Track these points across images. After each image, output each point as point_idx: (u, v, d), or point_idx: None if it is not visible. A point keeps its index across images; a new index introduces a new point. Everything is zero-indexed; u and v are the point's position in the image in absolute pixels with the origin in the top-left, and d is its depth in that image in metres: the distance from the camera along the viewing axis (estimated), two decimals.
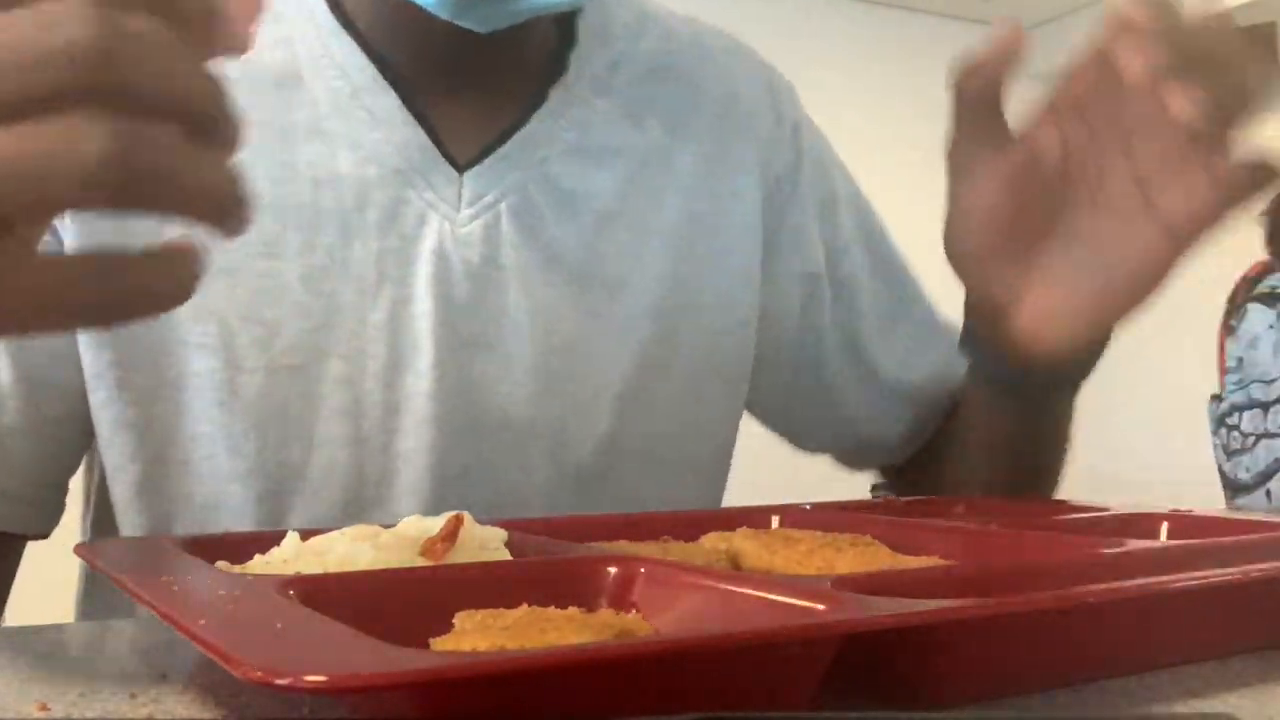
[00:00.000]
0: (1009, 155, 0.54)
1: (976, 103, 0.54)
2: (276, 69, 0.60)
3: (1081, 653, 0.35)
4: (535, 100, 0.64)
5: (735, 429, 0.73)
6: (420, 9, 0.58)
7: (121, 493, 0.60)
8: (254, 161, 0.58)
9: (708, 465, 0.71)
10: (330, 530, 0.43)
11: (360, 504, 0.60)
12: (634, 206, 0.66)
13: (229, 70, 0.56)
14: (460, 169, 0.61)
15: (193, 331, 0.58)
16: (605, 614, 0.35)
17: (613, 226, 0.65)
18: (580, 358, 0.63)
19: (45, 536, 0.62)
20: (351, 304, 0.59)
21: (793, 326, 0.73)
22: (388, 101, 0.60)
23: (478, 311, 0.61)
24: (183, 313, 0.55)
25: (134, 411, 0.58)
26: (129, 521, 0.61)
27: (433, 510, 0.59)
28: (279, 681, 0.23)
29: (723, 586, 0.35)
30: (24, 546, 0.63)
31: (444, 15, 0.57)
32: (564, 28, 0.67)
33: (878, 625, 0.30)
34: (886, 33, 4.19)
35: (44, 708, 0.31)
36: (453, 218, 0.60)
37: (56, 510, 0.62)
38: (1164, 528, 0.53)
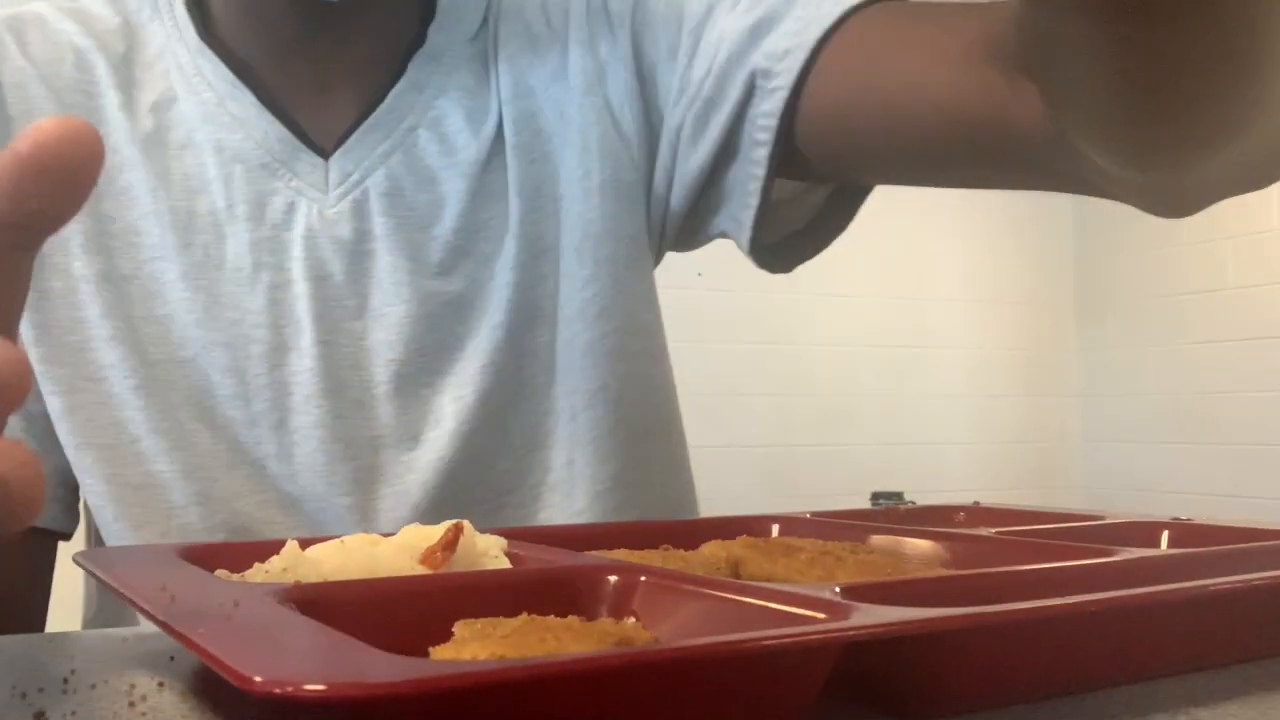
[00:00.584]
0: None
1: None
2: (156, 97, 0.66)
3: (1083, 661, 0.35)
4: (396, 74, 0.67)
5: (645, 304, 0.72)
6: (272, 22, 0.64)
7: (81, 478, 0.65)
8: (138, 179, 0.64)
9: (626, 348, 0.70)
10: (327, 538, 0.43)
11: (265, 479, 0.64)
12: (496, 165, 0.68)
13: (112, 108, 0.59)
14: (328, 154, 0.66)
15: (104, 327, 0.63)
16: (605, 623, 0.35)
17: (475, 193, 0.67)
18: (456, 308, 0.66)
19: (69, 536, 0.66)
20: (229, 294, 0.64)
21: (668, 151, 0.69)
22: (247, 102, 0.65)
23: (355, 283, 0.65)
24: (94, 310, 0.63)
25: (60, 401, 0.63)
26: (93, 506, 0.65)
27: (334, 483, 0.64)
28: (278, 690, 0.23)
29: (723, 595, 0.35)
30: (56, 546, 0.68)
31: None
32: (429, 6, 0.69)
33: (878, 634, 0.30)
34: None
35: (41, 715, 0.31)
36: (321, 201, 0.65)
37: (75, 507, 0.67)
38: (1164, 536, 0.53)
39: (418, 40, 0.68)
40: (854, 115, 0.59)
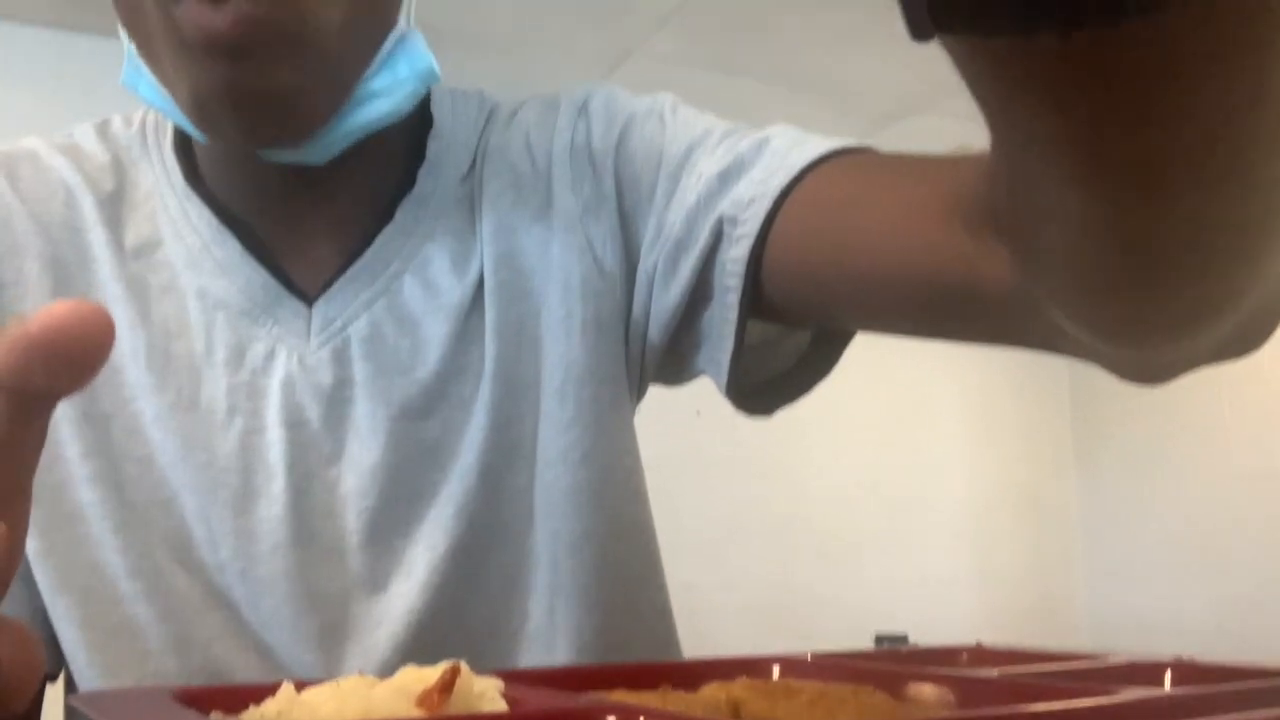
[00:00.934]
0: None
1: None
2: (141, 240, 0.66)
3: None
4: (384, 219, 0.67)
5: (626, 447, 0.70)
6: (260, 175, 0.64)
7: (56, 624, 0.63)
8: (121, 317, 0.63)
9: (610, 492, 0.69)
10: (321, 682, 0.43)
11: (240, 623, 0.63)
12: (478, 307, 0.67)
13: (98, 245, 0.61)
14: (311, 300, 0.65)
15: (84, 467, 0.63)
16: None
17: (458, 337, 0.66)
18: (433, 453, 0.65)
19: (55, 677, 0.64)
20: (201, 439, 0.63)
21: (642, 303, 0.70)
22: (232, 249, 0.66)
23: (331, 430, 0.64)
24: (74, 450, 0.62)
25: (36, 544, 0.62)
26: (67, 653, 0.63)
27: (300, 637, 0.62)
28: None
29: None
30: (44, 688, 0.66)
31: (272, 157, 0.62)
32: (416, 145, 0.70)
33: None
34: None
35: None
36: (302, 348, 0.64)
37: (59, 647, 0.65)
38: (1168, 676, 0.53)
39: (406, 184, 0.69)
40: (817, 267, 0.59)
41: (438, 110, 0.72)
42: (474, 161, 0.71)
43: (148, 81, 0.61)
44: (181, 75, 0.57)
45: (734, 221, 0.62)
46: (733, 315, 0.63)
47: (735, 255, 0.62)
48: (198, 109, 0.58)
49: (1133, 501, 4.02)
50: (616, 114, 0.71)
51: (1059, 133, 0.29)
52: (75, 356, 0.30)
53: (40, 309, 0.30)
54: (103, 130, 0.71)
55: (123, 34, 0.61)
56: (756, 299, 0.63)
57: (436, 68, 0.63)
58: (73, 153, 0.69)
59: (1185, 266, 0.35)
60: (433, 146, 0.70)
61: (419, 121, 0.71)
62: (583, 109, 0.72)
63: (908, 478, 3.88)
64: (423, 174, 0.69)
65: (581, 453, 0.67)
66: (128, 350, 0.64)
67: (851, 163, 0.60)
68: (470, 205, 0.70)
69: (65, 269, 0.65)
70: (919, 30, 0.24)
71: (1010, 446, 4.12)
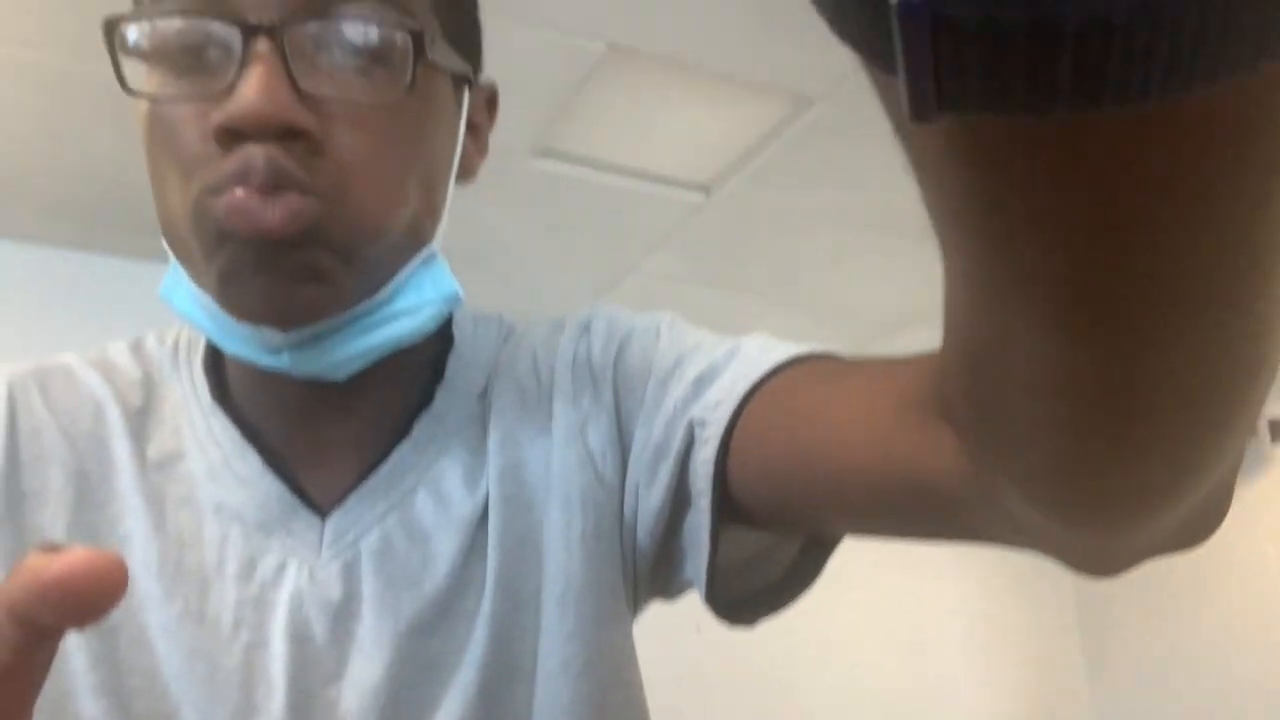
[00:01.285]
0: None
1: None
2: (164, 453, 0.67)
3: None
4: (401, 435, 0.68)
5: (626, 659, 0.69)
6: (282, 391, 0.65)
7: None
8: (136, 528, 0.64)
9: (611, 705, 0.67)
10: None
11: None
12: (483, 529, 0.67)
13: (122, 456, 0.62)
14: (326, 513, 0.65)
15: (90, 677, 0.61)
16: None
17: (466, 551, 0.66)
18: (434, 669, 0.64)
19: None
20: (205, 652, 0.62)
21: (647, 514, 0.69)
22: (252, 462, 0.66)
23: (336, 645, 0.63)
24: (79, 661, 0.61)
25: None
26: None
27: None
28: None
29: None
30: None
31: (296, 374, 0.62)
32: (435, 363, 0.71)
33: None
34: None
35: None
36: (312, 562, 0.64)
37: None
38: None
39: (424, 401, 0.70)
40: (778, 466, 0.59)
41: (458, 330, 0.73)
42: (489, 377, 0.72)
43: (185, 292, 0.63)
44: (214, 259, 0.57)
45: (702, 424, 0.63)
46: (706, 519, 0.63)
47: (704, 457, 0.62)
48: (223, 284, 0.57)
49: (1148, 716, 3.88)
50: (616, 329, 0.73)
51: (1055, 248, 0.26)
52: (86, 602, 0.31)
53: (62, 552, 0.31)
54: (136, 347, 0.73)
55: (165, 245, 0.63)
56: (730, 503, 0.63)
57: (460, 291, 0.65)
58: (105, 368, 0.70)
59: (1167, 423, 0.32)
60: (451, 365, 0.71)
61: (439, 340, 0.72)
62: (586, 327, 0.74)
63: (914, 692, 3.76)
64: (440, 391, 0.70)
65: (581, 665, 0.65)
66: (140, 561, 0.64)
67: (816, 366, 0.61)
68: (483, 421, 0.70)
69: (88, 480, 0.66)
70: (920, 109, 0.21)
71: (1018, 652, 4.02)
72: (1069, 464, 0.34)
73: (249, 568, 0.64)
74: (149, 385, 0.70)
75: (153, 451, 0.67)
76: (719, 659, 3.29)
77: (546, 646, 0.66)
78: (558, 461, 0.69)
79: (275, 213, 0.54)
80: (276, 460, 0.67)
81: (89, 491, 0.65)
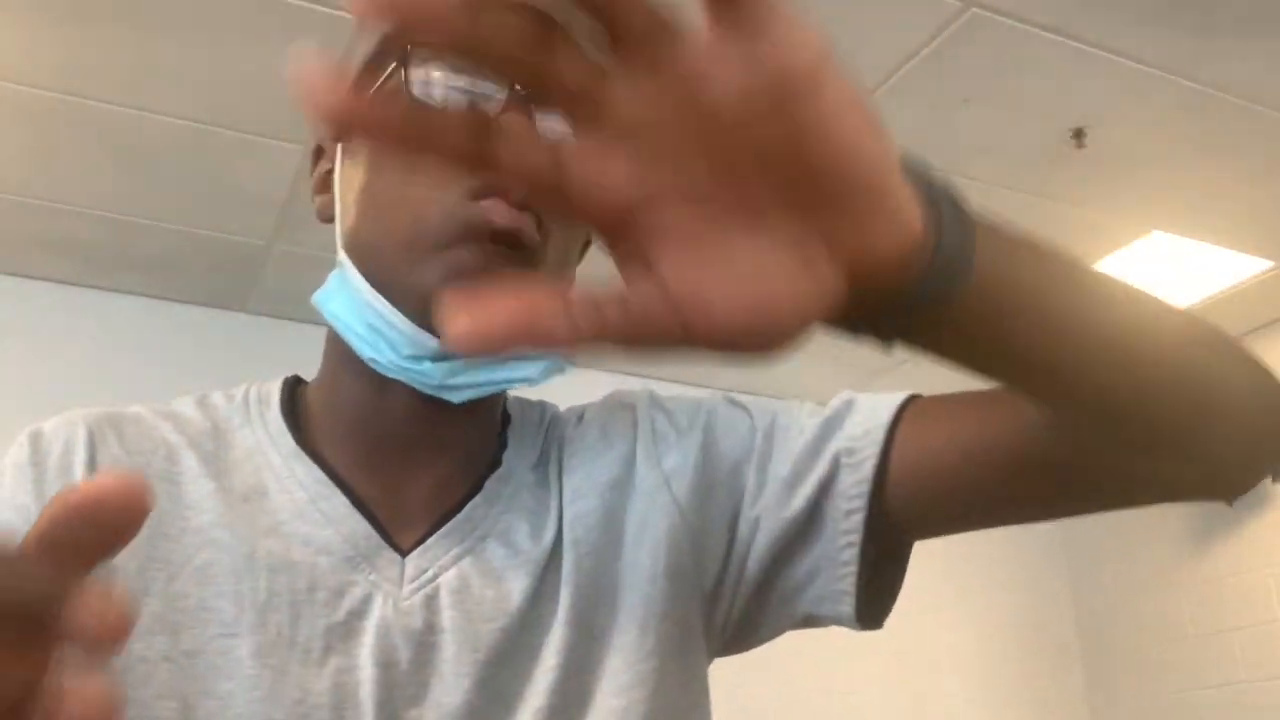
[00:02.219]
0: None
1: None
2: (246, 487, 0.71)
3: None
4: (474, 489, 0.74)
5: (696, 699, 0.73)
6: (376, 431, 0.71)
7: None
8: (219, 559, 0.66)
9: None
10: None
11: None
12: (554, 563, 0.72)
13: (201, 494, 0.67)
14: (404, 551, 0.70)
15: (159, 707, 0.62)
16: None
17: (537, 590, 0.71)
18: (505, 700, 0.68)
19: None
20: (297, 675, 0.65)
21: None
22: (339, 503, 0.71)
23: (418, 672, 0.67)
24: (148, 692, 0.63)
25: None
26: None
27: None
28: None
29: None
30: None
31: (424, 385, 0.69)
32: (502, 433, 0.78)
33: None
34: None
35: None
36: (395, 594, 0.68)
37: None
38: None
39: (493, 464, 0.75)
40: (938, 468, 0.67)
41: (511, 409, 0.81)
42: (542, 452, 0.78)
43: (345, 301, 0.70)
44: (455, 258, 0.66)
45: (850, 451, 0.70)
46: (856, 538, 0.69)
47: (858, 478, 0.69)
48: (448, 278, 0.65)
49: None
50: (683, 397, 0.81)
51: (1004, 373, 0.48)
52: (113, 515, 0.34)
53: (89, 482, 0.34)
54: (202, 402, 0.77)
55: (347, 262, 0.70)
56: (875, 519, 0.69)
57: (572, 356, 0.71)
58: (173, 418, 0.74)
59: (1133, 435, 0.52)
60: (511, 435, 0.78)
61: (501, 414, 0.79)
62: (654, 400, 0.81)
63: None
64: (506, 456, 0.76)
65: (650, 688, 0.69)
66: (230, 591, 0.66)
67: (925, 400, 0.71)
68: (544, 485, 0.76)
69: (161, 519, 0.68)
70: (887, 341, 0.44)
71: (1020, 707, 3.98)
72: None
73: (337, 596, 0.67)
74: (218, 434, 0.74)
75: (235, 486, 0.71)
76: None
77: (614, 672, 0.69)
78: (638, 510, 0.74)
79: (520, 221, 0.65)
80: (359, 501, 0.71)
81: (163, 529, 0.67)
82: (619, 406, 0.82)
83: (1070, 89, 2.57)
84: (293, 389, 0.77)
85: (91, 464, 0.69)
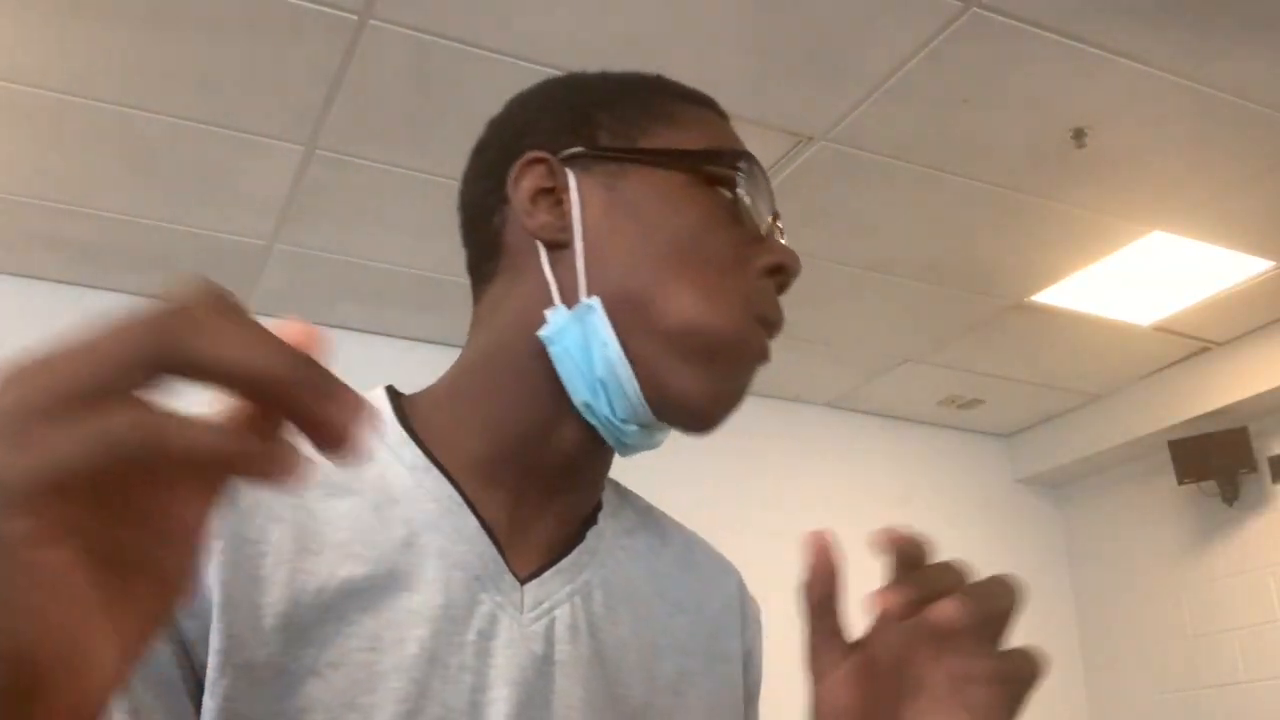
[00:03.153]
0: (851, 658, 0.66)
1: (819, 610, 0.66)
2: (376, 495, 0.70)
3: None
4: (577, 538, 0.76)
5: None
6: (530, 458, 0.73)
7: None
8: (357, 571, 0.67)
9: None
10: None
11: None
12: (643, 647, 0.75)
13: (332, 514, 0.69)
14: (521, 579, 0.71)
15: (302, 717, 0.62)
16: None
17: (631, 656, 0.74)
18: None
19: None
20: (437, 690, 0.65)
21: None
22: (470, 522, 0.71)
23: (537, 698, 0.68)
24: (294, 704, 0.63)
25: None
26: None
27: None
28: None
29: None
30: None
31: (614, 442, 0.73)
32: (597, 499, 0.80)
33: None
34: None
35: None
36: (518, 619, 0.70)
37: None
38: None
39: (591, 519, 0.78)
40: None
41: None
42: (632, 527, 0.81)
43: (580, 340, 0.70)
44: (723, 369, 0.71)
45: None
46: None
47: None
48: (706, 395, 0.71)
49: None
50: (758, 672, 0.86)
51: None
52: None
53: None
54: None
55: (598, 307, 0.70)
56: None
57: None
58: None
59: None
60: (606, 501, 0.80)
61: None
62: (758, 619, 0.85)
63: None
64: (602, 515, 0.79)
65: None
66: (363, 606, 0.66)
67: None
68: (634, 559, 0.80)
69: (303, 530, 0.67)
70: None
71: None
72: None
73: (468, 613, 0.68)
74: None
75: (367, 499, 0.70)
76: None
77: None
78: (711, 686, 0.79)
79: (767, 347, 0.73)
80: (484, 525, 0.72)
81: (305, 541, 0.67)
82: (732, 584, 0.85)
83: (1070, 89, 2.57)
84: (397, 399, 0.76)
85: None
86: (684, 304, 0.70)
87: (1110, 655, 4.07)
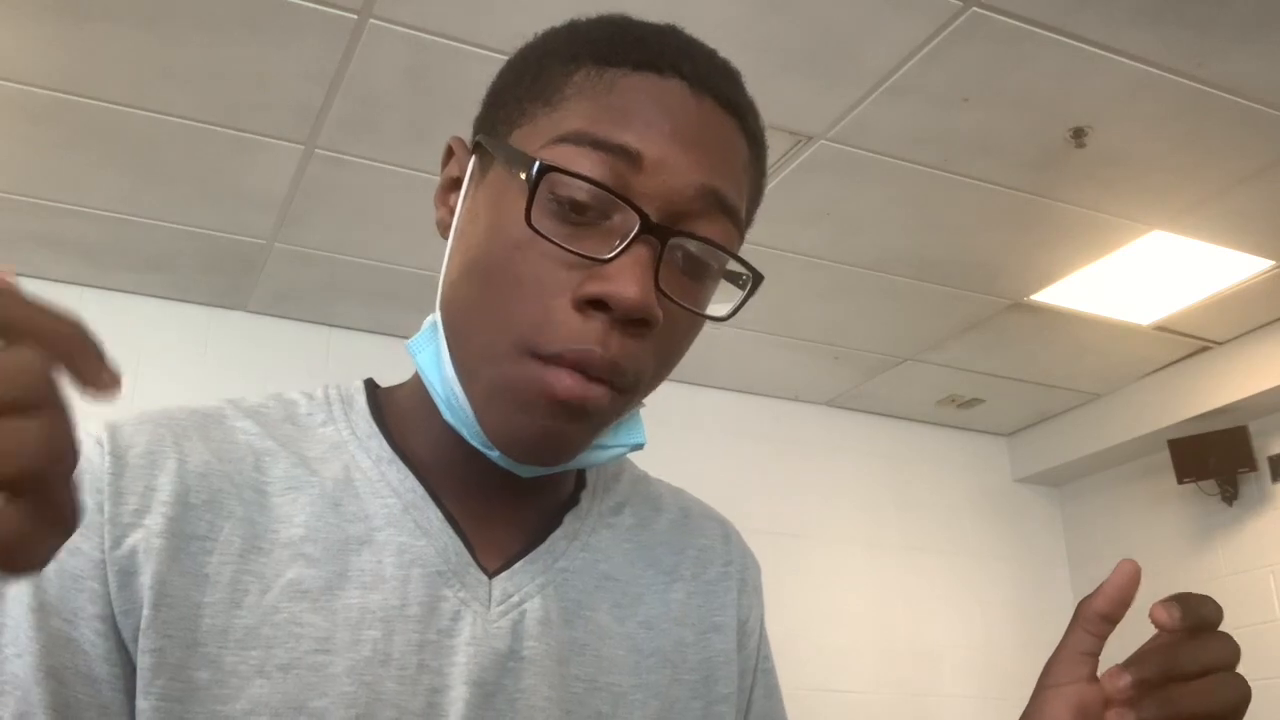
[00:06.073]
0: (1089, 684, 0.66)
1: (1088, 625, 0.67)
2: (336, 488, 0.68)
3: None
4: (553, 524, 0.73)
5: None
6: (483, 459, 0.68)
7: None
8: (310, 575, 0.64)
9: None
10: None
11: None
12: (629, 629, 0.72)
13: (288, 506, 0.67)
14: (489, 573, 0.68)
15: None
16: None
17: (611, 641, 0.71)
18: None
19: None
20: (392, 692, 0.63)
21: None
22: (433, 514, 0.69)
23: (499, 697, 0.65)
24: (240, 706, 0.60)
25: None
26: None
27: None
28: None
29: None
30: None
31: (509, 466, 0.67)
32: (580, 473, 0.77)
33: None
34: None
35: None
36: (484, 615, 0.67)
37: None
38: None
39: (570, 501, 0.75)
40: None
41: None
42: (620, 502, 0.79)
43: (431, 357, 0.67)
44: (505, 408, 0.63)
45: None
46: None
47: None
48: (504, 436, 0.64)
49: None
50: (760, 639, 0.83)
51: None
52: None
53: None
54: (277, 398, 0.74)
55: (438, 318, 0.67)
56: None
57: (645, 442, 0.71)
58: (255, 415, 0.71)
59: None
60: (591, 477, 0.78)
61: None
62: (758, 589, 0.83)
63: None
64: (584, 496, 0.76)
65: None
66: (323, 607, 0.64)
67: None
68: (622, 539, 0.77)
69: (253, 528, 0.65)
70: None
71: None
72: None
73: (429, 612, 0.66)
74: (300, 432, 0.71)
75: (327, 487, 0.68)
76: None
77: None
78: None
79: (589, 393, 0.61)
80: (449, 518, 0.69)
81: (255, 541, 0.65)
82: (732, 549, 0.83)
83: (1070, 89, 2.57)
84: (373, 392, 0.74)
85: (181, 469, 0.65)
86: (472, 328, 0.64)
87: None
